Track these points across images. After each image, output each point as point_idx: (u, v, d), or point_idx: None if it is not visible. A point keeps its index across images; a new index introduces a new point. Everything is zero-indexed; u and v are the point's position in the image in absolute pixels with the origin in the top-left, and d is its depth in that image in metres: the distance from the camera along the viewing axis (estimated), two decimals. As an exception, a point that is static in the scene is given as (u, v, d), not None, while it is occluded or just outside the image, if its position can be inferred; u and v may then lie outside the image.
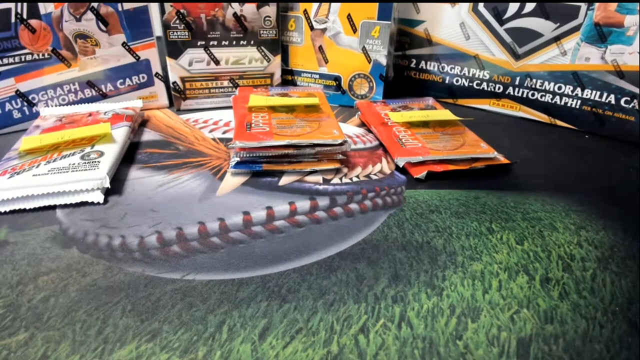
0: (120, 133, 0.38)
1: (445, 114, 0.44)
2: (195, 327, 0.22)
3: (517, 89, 0.50)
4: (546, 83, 0.47)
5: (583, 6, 0.43)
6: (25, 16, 0.40)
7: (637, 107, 0.43)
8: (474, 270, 0.26)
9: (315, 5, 0.49)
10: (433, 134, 0.41)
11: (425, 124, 0.43)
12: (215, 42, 0.47)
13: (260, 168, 0.35)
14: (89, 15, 0.42)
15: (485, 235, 0.29)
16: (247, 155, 0.35)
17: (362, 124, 0.47)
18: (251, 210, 0.31)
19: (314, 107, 0.42)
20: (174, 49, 0.46)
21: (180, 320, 0.22)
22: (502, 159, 0.38)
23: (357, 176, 0.36)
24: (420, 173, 0.36)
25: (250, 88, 0.48)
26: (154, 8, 0.45)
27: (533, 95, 0.49)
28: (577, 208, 0.33)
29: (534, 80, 0.48)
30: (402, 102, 0.50)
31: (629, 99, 0.43)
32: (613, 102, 0.44)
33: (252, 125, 0.37)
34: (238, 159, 0.35)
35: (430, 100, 0.50)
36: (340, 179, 0.35)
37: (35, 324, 0.22)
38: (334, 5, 0.48)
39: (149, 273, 0.25)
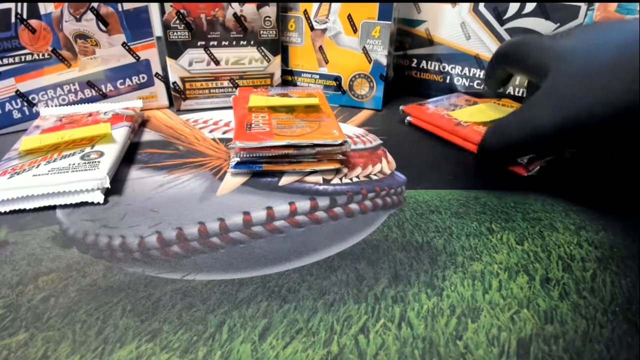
0: (120, 133, 0.38)
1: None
2: (196, 327, 0.22)
3: (517, 89, 0.50)
4: (546, 83, 0.47)
5: (583, 6, 0.43)
6: (25, 16, 0.40)
7: (637, 107, 0.43)
8: (474, 271, 0.26)
9: (315, 5, 0.49)
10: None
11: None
12: (215, 43, 0.47)
13: (261, 168, 0.35)
14: (89, 15, 0.42)
15: (485, 236, 0.29)
16: (247, 155, 0.35)
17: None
18: (251, 211, 0.31)
19: (314, 107, 0.42)
20: (174, 49, 0.46)
21: (180, 321, 0.22)
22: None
23: (357, 176, 0.36)
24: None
25: (250, 88, 0.48)
26: (154, 8, 0.45)
27: (533, 95, 0.49)
28: (577, 208, 0.33)
29: (534, 81, 0.48)
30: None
31: (629, 99, 0.43)
32: (613, 102, 0.44)
33: (252, 125, 0.37)
34: (238, 159, 0.35)
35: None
36: (340, 179, 0.35)
37: (35, 324, 0.22)
38: (334, 5, 0.48)
39: (149, 273, 0.25)
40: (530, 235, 0.30)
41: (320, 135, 0.36)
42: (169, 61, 0.47)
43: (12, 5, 0.39)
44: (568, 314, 0.23)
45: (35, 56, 0.41)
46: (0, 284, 0.24)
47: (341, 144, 0.35)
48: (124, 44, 0.45)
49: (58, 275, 0.25)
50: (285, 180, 0.35)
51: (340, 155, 0.36)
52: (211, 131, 0.43)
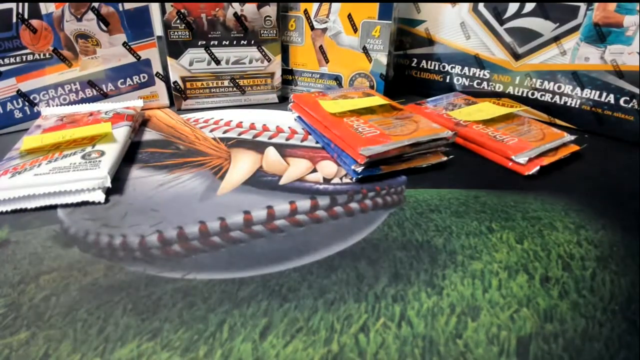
0: (121, 132, 0.38)
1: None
2: (196, 326, 0.22)
3: (517, 89, 0.50)
4: (546, 82, 0.47)
5: (582, 6, 0.43)
6: (26, 16, 0.40)
7: (636, 106, 0.43)
8: (474, 270, 0.26)
9: (315, 5, 0.49)
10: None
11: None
12: (216, 42, 0.47)
13: (380, 170, 0.35)
14: (90, 15, 0.42)
15: (485, 235, 0.30)
16: (369, 159, 0.34)
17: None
18: (252, 210, 0.31)
19: (385, 105, 0.42)
20: (174, 49, 0.46)
21: (181, 320, 0.22)
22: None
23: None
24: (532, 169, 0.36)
25: (307, 94, 0.46)
26: (154, 8, 0.45)
27: (533, 94, 0.49)
28: (577, 207, 0.33)
29: (534, 80, 0.48)
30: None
31: (628, 98, 0.43)
32: (612, 101, 0.44)
33: (359, 130, 0.37)
34: (363, 166, 0.34)
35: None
36: (341, 178, 0.35)
37: (36, 323, 0.22)
38: (335, 5, 0.48)
39: (150, 272, 0.25)
40: (530, 234, 0.30)
41: (428, 130, 0.37)
42: (170, 61, 0.47)
43: (13, 5, 0.39)
44: (567, 313, 0.23)
45: (37, 56, 0.42)
46: (2, 283, 0.24)
47: (448, 137, 0.37)
48: (124, 44, 0.45)
49: (59, 274, 0.25)
50: (285, 180, 0.35)
51: (444, 148, 0.38)
52: (212, 130, 0.43)
